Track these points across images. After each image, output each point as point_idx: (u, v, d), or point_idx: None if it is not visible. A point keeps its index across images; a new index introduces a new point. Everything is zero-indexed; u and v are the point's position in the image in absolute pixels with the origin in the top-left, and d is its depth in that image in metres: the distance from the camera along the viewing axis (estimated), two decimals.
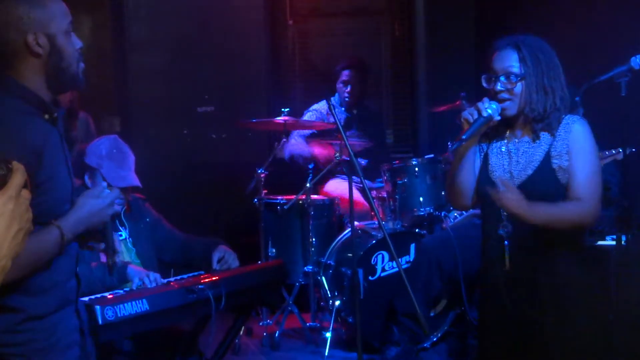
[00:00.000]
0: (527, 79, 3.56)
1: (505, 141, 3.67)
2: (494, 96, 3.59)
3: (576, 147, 3.53)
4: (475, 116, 3.52)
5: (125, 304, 3.62)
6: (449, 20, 8.25)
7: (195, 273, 4.23)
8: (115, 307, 3.57)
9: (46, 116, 2.74)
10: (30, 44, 2.69)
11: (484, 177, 3.65)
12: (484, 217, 3.83)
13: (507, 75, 3.60)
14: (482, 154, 3.71)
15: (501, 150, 3.66)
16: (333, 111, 3.75)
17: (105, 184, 3.64)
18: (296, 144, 6.97)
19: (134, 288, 3.96)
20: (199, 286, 3.91)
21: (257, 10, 7.79)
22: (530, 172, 3.56)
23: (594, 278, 3.83)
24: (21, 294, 2.73)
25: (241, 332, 5.80)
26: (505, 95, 3.58)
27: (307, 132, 7.07)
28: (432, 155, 6.34)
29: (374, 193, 6.38)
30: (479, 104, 3.54)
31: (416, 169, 6.19)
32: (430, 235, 5.98)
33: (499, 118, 3.53)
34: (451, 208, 6.11)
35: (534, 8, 7.20)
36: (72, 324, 2.88)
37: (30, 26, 2.70)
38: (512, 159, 3.62)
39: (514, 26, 7.42)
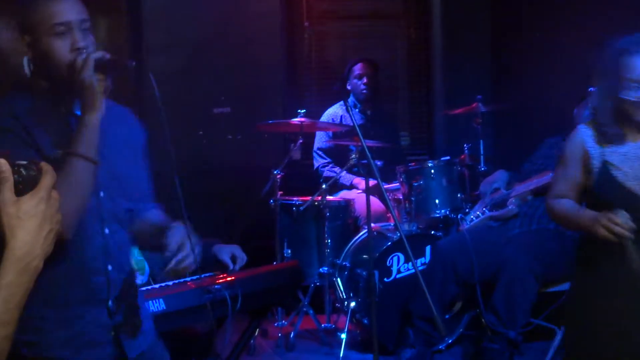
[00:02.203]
0: None
1: (629, 146, 3.68)
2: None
3: None
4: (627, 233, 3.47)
5: None
6: (466, 23, 8.25)
7: (210, 273, 4.22)
8: None
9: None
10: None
11: (610, 184, 3.65)
12: None
13: None
14: (598, 160, 3.71)
15: (627, 155, 3.67)
16: (351, 112, 3.75)
17: None
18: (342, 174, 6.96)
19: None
20: (216, 286, 3.89)
21: (273, 13, 7.80)
22: None
23: None
24: (40, 281, 2.75)
25: (256, 333, 5.80)
26: None
27: (325, 144, 7.09)
28: (448, 158, 6.33)
29: (389, 195, 6.38)
30: (622, 223, 3.49)
31: (432, 171, 6.18)
32: (446, 238, 5.98)
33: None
34: (467, 210, 6.11)
35: (550, 10, 7.19)
36: (99, 322, 2.81)
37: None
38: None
39: (531, 30, 7.48)
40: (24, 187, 1.74)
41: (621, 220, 3.46)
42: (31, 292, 2.77)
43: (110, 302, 2.83)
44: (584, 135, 3.79)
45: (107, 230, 2.82)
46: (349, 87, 7.25)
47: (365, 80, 7.16)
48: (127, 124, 3.00)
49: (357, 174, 6.85)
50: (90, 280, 2.79)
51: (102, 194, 2.80)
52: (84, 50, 2.69)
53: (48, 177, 1.77)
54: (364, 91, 7.17)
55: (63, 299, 2.76)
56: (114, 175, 2.85)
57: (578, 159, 3.78)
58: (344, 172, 6.77)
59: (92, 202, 2.76)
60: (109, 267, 2.83)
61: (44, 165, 1.78)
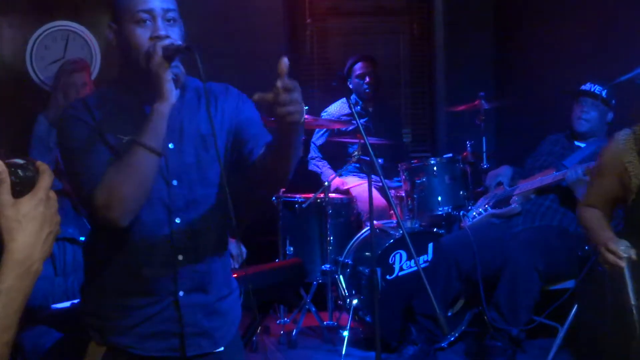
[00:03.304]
0: None
1: None
2: None
3: None
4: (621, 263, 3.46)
5: None
6: (468, 20, 8.24)
7: None
8: None
9: None
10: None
11: None
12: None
13: None
14: (638, 179, 3.66)
15: None
16: (353, 109, 3.75)
17: None
18: (323, 169, 6.99)
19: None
20: None
21: (275, 9, 7.79)
22: None
23: None
24: (103, 271, 2.79)
25: (258, 330, 5.80)
26: None
27: (322, 140, 7.09)
28: (450, 155, 6.33)
29: (392, 192, 6.37)
30: (622, 254, 3.48)
31: (435, 168, 6.18)
32: (449, 235, 5.97)
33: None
34: (469, 207, 6.10)
35: (553, 8, 7.18)
36: (163, 314, 2.79)
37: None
38: None
39: (533, 26, 7.47)
40: (21, 188, 1.69)
41: (620, 249, 3.45)
42: (94, 280, 2.81)
43: (181, 294, 2.80)
44: (624, 148, 3.69)
45: (177, 220, 2.77)
46: (350, 86, 7.24)
47: (367, 79, 7.15)
48: (221, 102, 2.92)
49: (360, 171, 6.84)
50: (155, 271, 2.76)
51: (175, 182, 2.76)
52: (162, 39, 2.67)
53: (46, 177, 1.73)
54: (367, 90, 7.16)
55: (123, 288, 2.77)
56: (193, 162, 2.80)
57: (615, 173, 3.72)
58: (326, 167, 6.81)
59: (162, 190, 2.74)
60: (179, 258, 2.79)
61: (41, 165, 1.74)
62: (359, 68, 7.19)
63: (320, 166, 7.08)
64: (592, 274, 5.21)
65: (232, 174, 2.89)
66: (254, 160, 2.82)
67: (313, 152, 7.20)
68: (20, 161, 1.71)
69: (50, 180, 1.74)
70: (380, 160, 6.86)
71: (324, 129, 7.11)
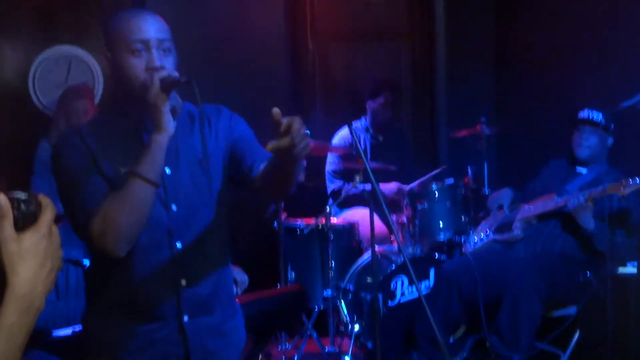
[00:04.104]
0: None
1: None
2: None
3: None
4: None
5: None
6: (470, 44, 8.25)
7: None
8: None
9: None
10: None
11: None
12: None
13: None
14: None
15: None
16: (355, 138, 3.74)
17: None
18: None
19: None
20: None
21: (278, 34, 7.80)
22: None
23: None
24: (105, 298, 2.79)
25: (260, 357, 5.78)
26: None
27: (336, 166, 7.05)
28: (452, 180, 6.33)
29: (393, 217, 6.36)
30: None
31: (436, 193, 6.18)
32: (450, 261, 5.96)
33: None
34: (471, 233, 6.10)
35: (556, 32, 7.20)
36: (169, 338, 2.80)
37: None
38: None
39: (535, 51, 7.49)
40: (24, 223, 1.67)
41: None
42: (96, 306, 2.81)
43: (185, 318, 2.80)
44: None
45: (178, 244, 2.77)
46: (367, 107, 7.20)
47: (389, 112, 7.12)
48: (214, 124, 2.94)
49: (361, 198, 6.80)
50: (157, 296, 2.76)
51: (174, 207, 2.77)
52: (158, 70, 2.67)
53: (48, 212, 1.71)
54: (384, 120, 7.13)
55: (127, 314, 2.77)
56: (190, 185, 2.81)
57: None
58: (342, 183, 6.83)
59: (162, 216, 2.74)
60: (182, 282, 2.78)
61: (43, 199, 1.72)
62: (383, 97, 7.11)
63: (337, 184, 7.01)
64: (594, 300, 5.20)
65: (231, 192, 2.91)
66: (255, 176, 2.84)
67: (335, 182, 7.15)
68: (22, 195, 1.69)
69: (53, 215, 1.72)
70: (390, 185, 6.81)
71: (337, 156, 7.04)
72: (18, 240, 1.66)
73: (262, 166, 2.84)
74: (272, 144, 2.49)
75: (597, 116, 5.64)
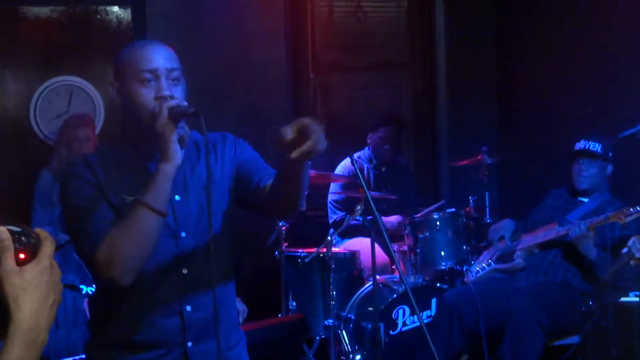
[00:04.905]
0: None
1: None
2: None
3: None
4: None
5: None
6: (471, 74, 8.27)
7: None
8: None
9: None
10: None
11: None
12: None
13: None
14: None
15: None
16: (357, 168, 3.73)
17: None
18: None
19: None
20: None
21: (279, 64, 7.81)
22: None
23: None
24: (109, 325, 2.78)
25: None
26: None
27: (337, 196, 7.04)
28: (453, 209, 6.33)
29: (395, 247, 6.36)
30: None
31: (437, 222, 6.18)
32: (452, 290, 5.95)
33: None
34: (473, 262, 6.09)
35: (558, 62, 7.22)
36: None
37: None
38: None
39: (536, 80, 7.51)
40: (25, 256, 1.67)
41: None
42: (100, 333, 2.80)
43: (189, 344, 2.79)
44: None
45: (184, 271, 2.78)
46: (368, 141, 7.22)
47: (387, 146, 7.13)
48: (220, 151, 2.94)
49: (362, 228, 6.79)
50: (162, 323, 2.76)
51: (183, 234, 2.78)
52: (167, 99, 2.68)
53: (48, 244, 1.70)
54: (383, 154, 7.14)
55: (131, 340, 2.76)
56: (197, 212, 2.81)
57: None
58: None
59: (170, 243, 2.75)
60: (188, 308, 2.78)
61: (41, 232, 1.71)
62: (383, 131, 7.12)
63: (339, 215, 7.00)
64: (596, 329, 5.18)
65: (234, 221, 2.92)
66: (263, 190, 2.85)
67: (337, 212, 7.14)
68: (18, 229, 1.68)
69: (53, 247, 1.71)
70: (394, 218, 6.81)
71: (339, 185, 7.04)
72: (20, 273, 1.66)
73: (269, 182, 2.84)
74: (296, 152, 2.51)
75: (594, 146, 5.63)
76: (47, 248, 1.70)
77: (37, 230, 1.71)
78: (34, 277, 1.66)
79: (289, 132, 2.51)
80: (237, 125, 7.49)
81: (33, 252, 1.68)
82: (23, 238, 1.67)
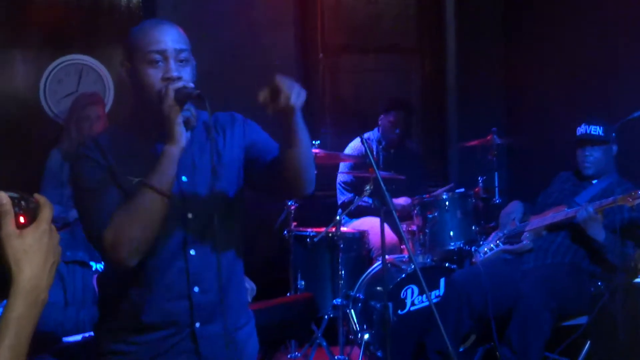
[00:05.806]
0: None
1: None
2: None
3: None
4: None
5: None
6: (480, 56, 8.26)
7: None
8: None
9: None
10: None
11: None
12: None
13: None
14: None
15: None
16: (367, 147, 3.73)
17: None
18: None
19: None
20: None
21: (287, 46, 7.81)
22: None
23: None
24: (118, 306, 2.80)
25: None
26: None
27: (346, 177, 7.06)
28: (462, 190, 6.33)
29: (404, 226, 6.36)
30: None
31: (447, 203, 6.19)
32: (460, 270, 5.95)
33: None
34: (481, 242, 6.09)
35: (565, 46, 7.20)
36: (181, 346, 2.81)
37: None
38: None
39: (545, 64, 7.49)
40: (25, 220, 1.72)
41: None
42: (109, 314, 2.82)
43: (197, 325, 2.81)
44: None
45: (192, 252, 2.78)
46: (379, 122, 7.25)
47: (398, 131, 7.15)
48: (229, 133, 2.96)
49: (371, 209, 6.80)
50: (170, 304, 2.77)
51: (190, 215, 2.79)
52: (174, 80, 2.69)
53: (47, 209, 1.76)
54: (392, 137, 7.17)
55: (139, 321, 2.77)
56: (206, 194, 2.82)
57: None
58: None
59: (178, 224, 2.76)
60: (196, 289, 2.80)
61: (40, 198, 1.76)
62: (393, 115, 7.17)
63: (348, 196, 7.02)
64: (604, 310, 5.19)
65: (244, 202, 2.94)
66: (271, 163, 2.86)
67: (346, 194, 7.17)
68: (16, 195, 1.73)
69: (51, 212, 1.77)
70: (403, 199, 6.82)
71: (348, 166, 7.06)
72: (21, 236, 1.71)
73: (275, 154, 2.86)
74: (269, 108, 2.62)
75: (596, 130, 5.61)
76: (46, 212, 1.76)
77: (36, 195, 1.77)
78: (34, 240, 1.72)
79: (263, 94, 2.59)
80: (244, 106, 7.52)
81: (32, 216, 1.74)
82: (22, 202, 1.72)
